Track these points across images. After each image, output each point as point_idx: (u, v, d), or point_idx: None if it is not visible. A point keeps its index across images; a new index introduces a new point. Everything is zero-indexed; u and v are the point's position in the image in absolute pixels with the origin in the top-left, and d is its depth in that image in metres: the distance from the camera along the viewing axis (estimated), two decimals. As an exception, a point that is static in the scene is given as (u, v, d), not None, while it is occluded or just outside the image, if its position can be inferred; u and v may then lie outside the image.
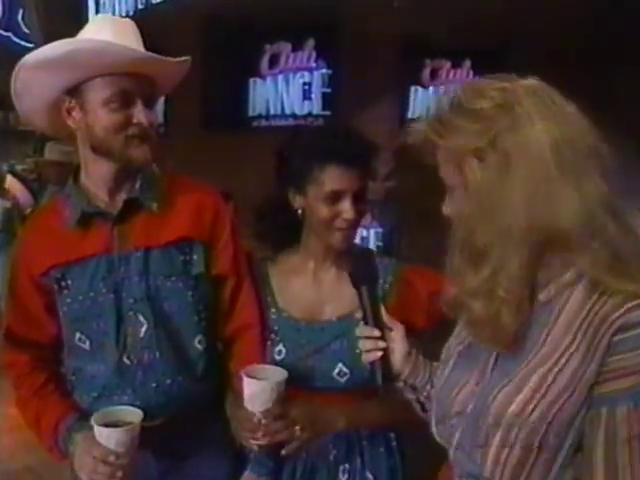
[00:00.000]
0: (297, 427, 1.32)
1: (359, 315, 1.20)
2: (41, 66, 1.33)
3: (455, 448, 1.06)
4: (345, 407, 1.43)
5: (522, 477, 0.96)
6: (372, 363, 1.17)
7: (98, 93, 1.34)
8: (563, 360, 0.93)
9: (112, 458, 1.23)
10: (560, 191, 0.90)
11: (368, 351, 1.16)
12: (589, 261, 0.92)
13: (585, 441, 0.93)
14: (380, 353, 1.16)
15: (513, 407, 0.95)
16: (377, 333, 1.16)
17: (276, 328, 1.49)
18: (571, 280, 0.96)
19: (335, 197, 1.41)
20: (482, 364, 1.05)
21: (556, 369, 0.93)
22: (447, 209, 1.03)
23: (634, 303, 0.89)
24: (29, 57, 1.34)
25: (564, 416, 0.92)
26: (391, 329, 1.20)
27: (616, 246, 0.92)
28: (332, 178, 1.40)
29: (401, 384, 1.22)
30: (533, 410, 0.93)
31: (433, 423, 1.13)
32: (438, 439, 1.13)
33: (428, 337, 1.42)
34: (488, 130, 0.92)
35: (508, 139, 0.92)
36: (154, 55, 1.37)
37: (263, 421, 1.30)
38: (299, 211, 1.48)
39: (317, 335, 1.46)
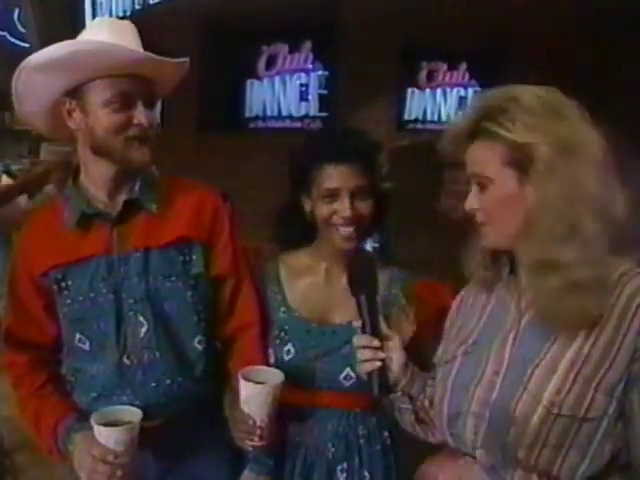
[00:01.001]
0: None
1: (357, 323, 1.20)
2: (42, 68, 1.33)
3: (478, 442, 1.07)
4: None
5: (562, 452, 0.98)
6: (369, 373, 1.16)
7: (98, 94, 1.35)
8: (592, 337, 0.98)
9: (111, 457, 1.23)
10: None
11: (366, 361, 1.16)
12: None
13: (626, 411, 0.98)
14: (379, 363, 1.15)
15: (551, 385, 0.99)
16: (376, 343, 1.16)
17: (286, 327, 1.49)
18: None
19: (332, 195, 1.43)
20: (497, 354, 1.07)
21: (587, 346, 0.98)
22: (474, 204, 1.06)
23: None
24: (31, 59, 1.34)
25: (604, 388, 0.97)
26: (389, 339, 1.20)
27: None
28: (327, 176, 1.43)
29: (399, 393, 1.22)
30: (571, 387, 0.97)
31: (444, 422, 1.13)
32: (449, 438, 1.14)
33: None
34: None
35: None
36: (154, 56, 1.38)
37: (258, 423, 1.31)
38: (310, 213, 1.49)
39: (328, 338, 1.46)
